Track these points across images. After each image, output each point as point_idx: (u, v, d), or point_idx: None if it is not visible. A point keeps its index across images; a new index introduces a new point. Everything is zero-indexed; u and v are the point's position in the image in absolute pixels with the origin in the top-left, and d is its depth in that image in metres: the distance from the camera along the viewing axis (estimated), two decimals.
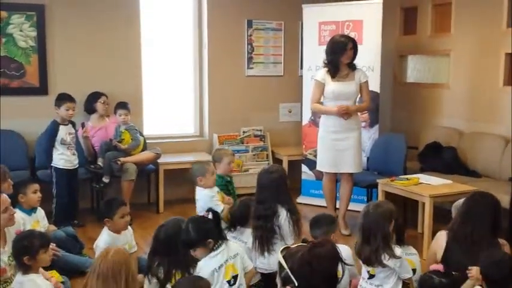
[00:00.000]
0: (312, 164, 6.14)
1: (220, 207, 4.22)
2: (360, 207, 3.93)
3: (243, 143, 6.64)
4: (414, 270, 3.43)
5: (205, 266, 3.14)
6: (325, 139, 5.25)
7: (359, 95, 5.24)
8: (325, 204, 5.49)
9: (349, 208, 5.38)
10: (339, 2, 6.22)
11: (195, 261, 3.21)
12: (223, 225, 3.71)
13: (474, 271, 3.01)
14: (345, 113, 5.07)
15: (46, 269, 3.49)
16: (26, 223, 4.02)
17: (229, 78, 6.63)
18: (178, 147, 6.41)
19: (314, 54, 6.06)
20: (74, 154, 5.30)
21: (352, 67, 5.16)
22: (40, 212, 4.35)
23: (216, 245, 3.19)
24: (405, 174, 5.26)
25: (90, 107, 5.87)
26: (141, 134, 5.94)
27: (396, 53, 6.92)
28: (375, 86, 5.83)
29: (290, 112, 6.99)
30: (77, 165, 5.36)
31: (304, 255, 2.47)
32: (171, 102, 6.68)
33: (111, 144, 5.62)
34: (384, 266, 3.13)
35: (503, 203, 3.95)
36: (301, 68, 6.62)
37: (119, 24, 6.03)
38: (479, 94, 5.88)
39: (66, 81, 5.80)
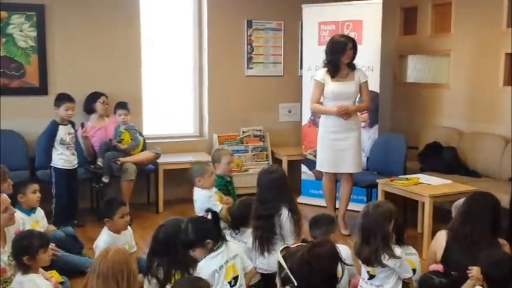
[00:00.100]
0: (311, 164, 6.13)
1: (218, 207, 4.22)
2: (359, 207, 3.93)
3: (242, 143, 6.64)
4: (414, 270, 3.43)
5: (206, 266, 3.14)
6: (324, 139, 5.25)
7: (359, 95, 5.24)
8: (324, 204, 5.49)
9: (348, 208, 5.38)
10: (338, 2, 6.22)
11: (194, 262, 3.21)
12: (222, 225, 3.70)
13: (474, 271, 3.01)
14: (345, 113, 5.07)
15: (46, 269, 3.49)
16: (25, 223, 4.02)
17: (229, 78, 6.63)
18: (178, 147, 6.41)
19: (314, 54, 6.06)
20: (73, 154, 5.30)
21: (351, 67, 5.16)
22: (39, 212, 4.35)
23: (216, 246, 3.18)
24: (405, 174, 5.26)
25: (89, 107, 5.87)
26: (141, 134, 5.94)
27: (396, 53, 6.92)
28: (374, 86, 5.83)
29: (290, 112, 6.98)
30: (77, 165, 5.36)
31: (303, 255, 2.47)
32: (170, 102, 6.68)
33: (111, 144, 5.62)
34: (383, 266, 3.13)
35: (503, 203, 3.95)
36: (301, 68, 6.61)
37: (118, 24, 6.03)
38: (479, 94, 5.87)
39: (66, 81, 5.80)
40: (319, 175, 5.87)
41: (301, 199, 6.23)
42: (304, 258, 2.45)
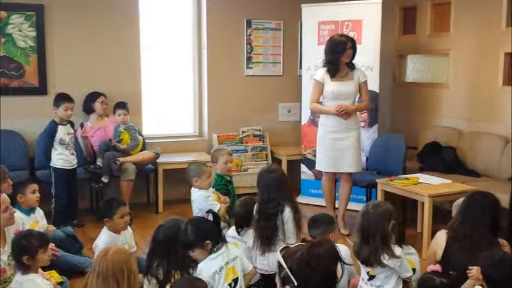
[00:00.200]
0: (311, 164, 6.14)
1: (217, 206, 4.21)
2: (359, 206, 3.94)
3: (242, 143, 6.64)
4: (414, 270, 3.42)
5: (206, 267, 3.13)
6: (324, 139, 5.25)
7: (358, 95, 5.24)
8: (324, 204, 5.49)
9: (348, 208, 5.39)
10: (338, 1, 6.21)
11: (194, 262, 3.20)
12: (222, 224, 3.69)
13: (474, 271, 3.00)
14: (345, 113, 5.07)
15: (45, 269, 3.49)
16: (24, 223, 4.02)
17: (228, 78, 6.63)
18: (177, 147, 6.41)
19: (313, 54, 6.07)
20: (72, 154, 5.30)
21: (351, 67, 5.16)
22: (39, 212, 4.35)
23: (216, 247, 3.17)
24: (404, 173, 5.26)
25: (88, 107, 5.87)
26: (140, 134, 5.94)
27: (395, 53, 6.92)
28: (374, 85, 5.83)
29: (289, 112, 6.99)
30: (76, 165, 5.36)
31: (303, 255, 2.46)
32: (170, 102, 6.68)
33: (110, 144, 5.62)
34: (383, 266, 3.12)
35: (502, 203, 3.94)
36: (300, 67, 6.62)
37: (118, 24, 6.03)
38: (478, 94, 5.88)
39: (66, 81, 5.80)
40: (318, 175, 5.88)
41: (300, 199, 6.23)
42: (304, 258, 2.45)
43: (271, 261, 3.56)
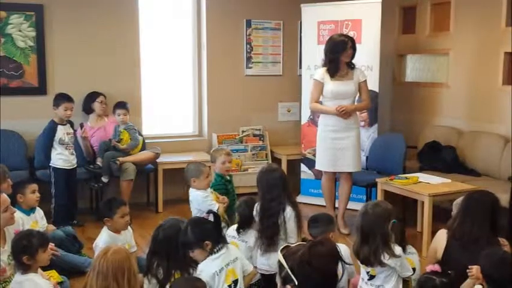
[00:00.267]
0: (311, 163, 6.14)
1: (215, 206, 4.21)
2: (359, 206, 3.93)
3: (242, 143, 6.64)
4: (414, 269, 3.42)
5: (206, 268, 3.11)
6: (324, 138, 5.25)
7: (358, 95, 5.24)
8: (324, 204, 5.49)
9: (348, 207, 5.39)
10: (337, 1, 6.21)
11: (194, 262, 3.19)
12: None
13: (475, 270, 3.00)
14: (344, 113, 5.07)
15: (45, 268, 3.49)
16: (24, 223, 4.02)
17: (228, 77, 6.63)
18: (177, 147, 6.41)
19: (313, 54, 6.06)
20: (72, 154, 5.30)
21: (350, 66, 5.16)
22: (39, 212, 4.35)
23: (217, 248, 3.15)
24: (404, 173, 5.27)
25: (87, 107, 5.87)
26: (140, 134, 5.94)
27: (395, 52, 6.92)
28: (374, 85, 5.83)
29: (289, 111, 6.99)
30: (76, 165, 5.36)
31: (304, 254, 2.46)
32: (170, 101, 6.67)
33: (110, 144, 5.62)
34: (383, 265, 3.10)
35: (502, 202, 3.95)
36: (300, 67, 6.61)
37: (117, 23, 6.03)
38: (478, 93, 5.88)
39: (65, 81, 5.80)
40: (318, 174, 5.88)
41: (300, 198, 6.23)
42: (305, 257, 2.44)
43: (272, 261, 3.55)
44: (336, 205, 5.44)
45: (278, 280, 2.63)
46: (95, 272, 2.54)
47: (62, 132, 5.22)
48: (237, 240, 3.80)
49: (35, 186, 4.30)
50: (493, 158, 5.45)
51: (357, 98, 5.27)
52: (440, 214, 4.53)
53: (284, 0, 6.75)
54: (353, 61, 5.17)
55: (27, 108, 5.71)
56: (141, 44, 6.20)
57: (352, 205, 5.47)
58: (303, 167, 6.45)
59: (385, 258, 3.08)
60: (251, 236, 3.77)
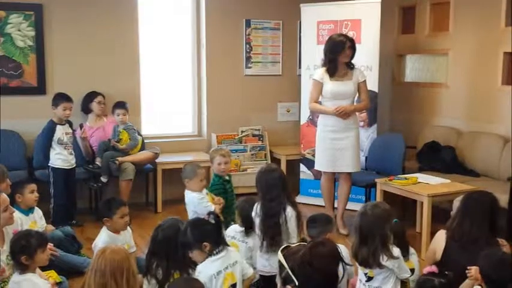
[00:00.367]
0: (310, 164, 6.14)
1: (211, 208, 4.19)
2: (358, 206, 3.92)
3: (241, 143, 6.64)
4: (413, 270, 3.42)
5: (204, 270, 3.08)
6: (323, 138, 5.25)
7: (357, 95, 5.23)
8: (323, 204, 5.49)
9: (347, 207, 5.39)
10: (337, 1, 6.21)
11: (193, 263, 3.18)
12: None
13: (473, 271, 3.00)
14: (344, 114, 5.07)
15: (44, 269, 3.49)
16: (23, 223, 4.02)
17: (227, 77, 6.62)
18: (176, 147, 6.41)
19: (312, 54, 6.06)
20: (71, 154, 5.29)
21: (350, 66, 5.16)
22: (37, 212, 4.34)
23: (216, 250, 3.12)
24: (404, 173, 5.27)
25: (86, 107, 5.86)
26: (139, 134, 5.94)
27: (394, 52, 6.92)
28: (373, 85, 5.83)
29: (288, 111, 6.98)
30: (74, 165, 5.36)
31: (305, 255, 2.45)
32: (169, 101, 6.67)
33: (109, 144, 5.62)
34: (382, 267, 3.09)
35: (501, 203, 3.94)
36: (300, 67, 6.61)
37: (117, 23, 6.02)
38: (477, 93, 5.88)
39: (65, 81, 5.79)
40: (317, 174, 5.88)
41: (299, 198, 6.22)
42: (306, 258, 2.44)
43: (272, 262, 3.53)
44: (335, 205, 5.44)
45: (278, 280, 2.63)
46: (92, 270, 2.54)
47: (60, 132, 5.21)
48: (237, 240, 3.79)
49: (33, 186, 4.30)
50: (493, 158, 5.45)
51: (356, 98, 5.26)
52: (440, 214, 4.53)
53: (283, 0, 6.75)
54: (352, 61, 5.16)
55: (26, 108, 5.70)
56: (140, 44, 6.20)
57: (351, 205, 5.46)
58: (302, 167, 6.45)
59: (383, 259, 3.06)
60: (251, 236, 3.76)
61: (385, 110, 6.89)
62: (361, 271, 3.21)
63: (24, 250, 3.15)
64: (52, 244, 3.77)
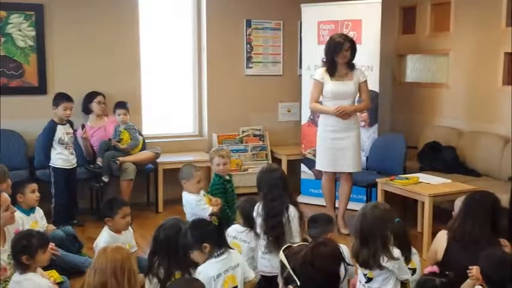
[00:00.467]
0: (311, 164, 6.14)
1: (208, 210, 4.18)
2: (359, 206, 3.92)
3: (242, 143, 6.64)
4: (414, 270, 3.42)
5: (204, 271, 3.07)
6: (324, 138, 5.25)
7: (358, 95, 5.23)
8: (324, 204, 5.49)
9: (348, 207, 5.39)
10: (337, 1, 6.21)
11: (195, 263, 3.17)
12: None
13: (474, 271, 2.99)
14: (344, 114, 5.06)
15: (45, 268, 3.49)
16: (24, 223, 4.02)
17: (228, 77, 6.62)
18: (177, 147, 6.40)
19: (313, 54, 6.06)
20: (72, 153, 5.29)
21: (351, 67, 5.15)
22: (39, 212, 4.35)
23: (217, 252, 3.11)
24: (405, 173, 5.26)
25: (86, 108, 5.86)
26: (140, 134, 5.94)
27: (395, 53, 6.92)
28: (374, 85, 5.83)
29: (289, 111, 6.98)
30: (75, 165, 5.36)
31: (307, 255, 2.45)
32: (170, 101, 6.67)
33: (110, 144, 5.62)
34: (382, 268, 3.08)
35: (503, 202, 3.94)
36: (300, 67, 6.61)
37: (117, 23, 6.02)
38: (478, 93, 5.88)
39: (65, 81, 5.79)
40: (318, 174, 5.88)
41: (300, 198, 6.22)
42: (308, 258, 2.44)
43: (274, 262, 3.51)
44: (336, 205, 5.44)
45: (280, 280, 2.62)
46: (93, 269, 2.54)
47: (61, 132, 5.21)
48: (239, 241, 3.78)
49: (34, 185, 4.30)
50: (493, 158, 5.45)
51: (357, 98, 5.26)
52: (441, 214, 4.53)
53: (284, 0, 6.75)
54: (353, 61, 5.16)
55: (27, 108, 5.70)
56: (141, 44, 6.20)
57: (352, 205, 5.46)
58: (303, 167, 6.45)
59: (384, 260, 3.04)
60: (252, 236, 3.75)
61: (386, 110, 6.88)
62: (360, 272, 3.20)
63: (25, 250, 3.15)
64: (53, 244, 3.77)
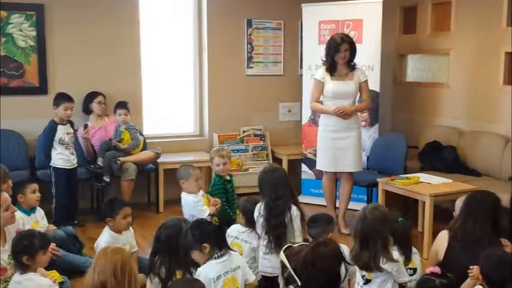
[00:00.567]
0: (311, 163, 6.13)
1: (206, 211, 4.19)
2: (359, 206, 3.92)
3: (242, 143, 6.64)
4: (415, 270, 3.42)
5: (204, 272, 3.06)
6: (325, 138, 5.25)
7: (359, 95, 5.23)
8: (325, 204, 5.49)
9: (349, 207, 5.39)
10: (338, 1, 6.21)
11: (196, 263, 3.17)
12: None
13: (475, 270, 2.99)
14: (344, 114, 5.06)
15: (46, 268, 3.49)
16: (25, 223, 4.02)
17: (229, 77, 6.62)
18: (178, 147, 6.40)
19: (314, 54, 6.05)
20: (72, 154, 5.30)
21: (351, 66, 5.15)
22: (39, 212, 4.35)
23: (218, 254, 3.10)
24: (405, 173, 5.26)
25: (86, 108, 5.86)
26: (141, 134, 5.94)
27: (396, 52, 6.92)
28: (374, 85, 5.83)
29: (290, 111, 6.98)
30: (76, 165, 5.36)
31: (307, 255, 2.45)
32: (170, 101, 6.67)
33: (111, 144, 5.62)
34: (381, 270, 3.07)
35: (503, 202, 3.94)
36: (301, 67, 6.61)
37: (118, 23, 6.02)
38: (479, 93, 5.87)
39: (66, 81, 5.79)
40: (319, 174, 5.88)
41: (301, 198, 6.14)
42: (308, 258, 2.44)
43: (275, 262, 3.49)
44: (337, 205, 5.44)
45: (280, 281, 2.62)
46: (93, 269, 2.54)
47: (62, 132, 5.21)
48: (240, 241, 3.77)
49: (35, 186, 4.30)
50: (494, 158, 5.45)
51: (357, 98, 5.26)
52: (441, 214, 4.53)
53: (285, 0, 6.75)
54: (354, 61, 5.16)
55: (28, 108, 5.70)
56: (141, 44, 6.20)
57: (353, 205, 5.46)
58: (304, 167, 6.45)
59: (382, 262, 3.04)
60: (254, 237, 3.75)
61: (387, 110, 6.88)
62: (358, 273, 3.19)
63: (26, 250, 3.15)
64: (54, 244, 3.77)
